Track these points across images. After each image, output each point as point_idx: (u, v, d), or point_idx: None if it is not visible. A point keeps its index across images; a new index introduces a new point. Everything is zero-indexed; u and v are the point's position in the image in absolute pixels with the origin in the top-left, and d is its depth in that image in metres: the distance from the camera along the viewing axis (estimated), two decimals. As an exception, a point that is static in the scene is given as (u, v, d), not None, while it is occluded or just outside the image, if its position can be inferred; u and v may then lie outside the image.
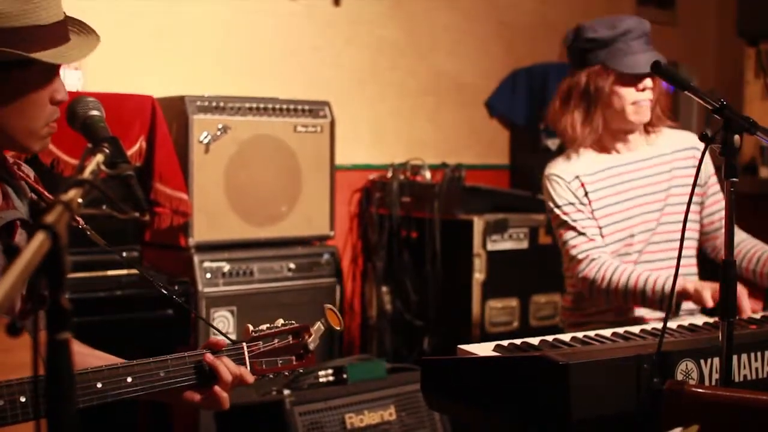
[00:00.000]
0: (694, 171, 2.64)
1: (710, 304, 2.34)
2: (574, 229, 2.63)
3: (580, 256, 2.61)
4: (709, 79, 5.33)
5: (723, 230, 2.69)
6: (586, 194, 2.65)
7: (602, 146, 2.72)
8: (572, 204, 2.64)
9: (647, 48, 2.60)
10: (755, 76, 4.89)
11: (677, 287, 2.38)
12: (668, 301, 2.32)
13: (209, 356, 1.73)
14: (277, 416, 3.00)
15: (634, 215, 2.67)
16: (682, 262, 2.57)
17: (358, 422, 3.12)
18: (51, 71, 1.63)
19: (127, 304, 3.04)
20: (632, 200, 2.68)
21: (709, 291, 2.35)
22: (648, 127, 2.73)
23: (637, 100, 2.61)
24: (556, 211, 2.66)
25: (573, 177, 2.66)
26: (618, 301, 2.58)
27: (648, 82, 2.60)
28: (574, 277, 2.66)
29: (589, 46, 2.63)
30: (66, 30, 1.65)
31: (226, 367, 1.74)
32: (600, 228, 2.65)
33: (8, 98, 1.60)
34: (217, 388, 1.74)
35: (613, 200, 2.67)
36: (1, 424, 1.50)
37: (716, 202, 2.75)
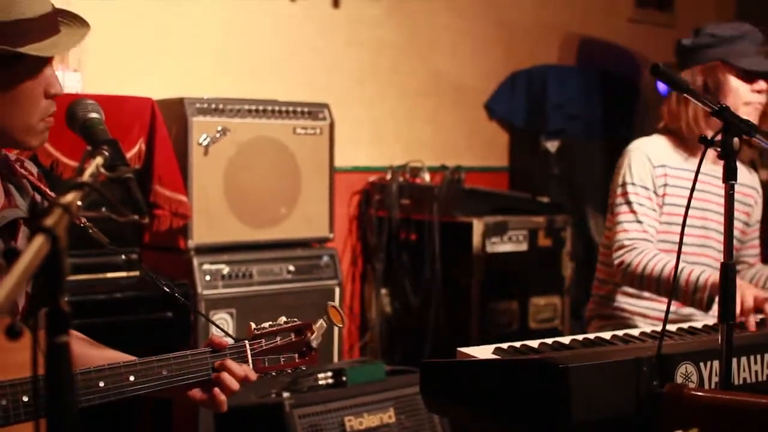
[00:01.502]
0: (747, 208, 2.73)
1: (750, 303, 2.22)
2: (635, 213, 2.59)
3: (626, 243, 2.56)
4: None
5: (749, 269, 2.73)
6: (664, 185, 2.63)
7: (693, 150, 2.69)
8: (646, 188, 2.61)
9: (763, 54, 2.61)
10: (754, 79, 4.88)
11: (712, 282, 2.34)
12: (668, 304, 2.30)
13: (216, 365, 1.73)
14: (277, 418, 3.00)
15: (695, 225, 2.65)
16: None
17: (358, 425, 3.12)
18: (42, 64, 1.62)
19: (127, 306, 3.04)
20: (702, 210, 2.67)
21: (750, 293, 2.24)
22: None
23: (751, 101, 2.61)
24: (627, 187, 2.61)
25: (660, 164, 2.63)
26: (651, 290, 2.53)
27: (763, 84, 2.60)
28: (609, 262, 2.62)
29: (710, 41, 2.64)
30: (55, 21, 1.64)
31: (232, 373, 1.73)
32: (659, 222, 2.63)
33: (2, 94, 1.59)
34: (216, 390, 1.74)
35: (682, 202, 2.65)
36: (4, 424, 1.50)
37: (754, 247, 2.82)
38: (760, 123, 2.68)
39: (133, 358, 1.71)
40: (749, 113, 2.61)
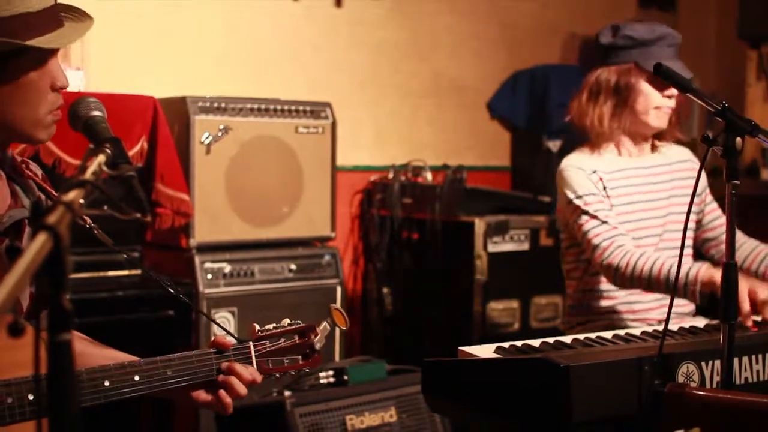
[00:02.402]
0: (692, 182, 2.67)
1: (746, 303, 2.19)
2: (596, 218, 2.61)
3: (604, 243, 2.57)
4: (711, 82, 5.33)
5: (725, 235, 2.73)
6: (604, 188, 2.66)
7: (618, 147, 2.75)
8: (593, 194, 2.64)
9: (676, 58, 2.63)
10: (756, 79, 4.89)
11: (705, 277, 2.33)
12: (677, 288, 2.30)
13: (223, 367, 1.74)
14: (278, 417, 3.00)
15: (644, 218, 2.70)
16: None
17: (359, 424, 3.12)
18: (47, 57, 1.63)
19: (129, 304, 3.04)
20: (642, 203, 2.71)
21: (746, 287, 2.21)
22: (657, 139, 2.78)
23: (661, 105, 2.65)
24: (576, 201, 2.64)
25: (592, 170, 2.67)
26: (641, 288, 2.54)
27: (674, 90, 2.62)
28: (596, 265, 2.63)
29: (626, 43, 2.65)
30: (58, 15, 1.65)
31: (240, 377, 1.73)
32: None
33: (8, 89, 1.60)
34: (222, 392, 1.74)
35: (626, 200, 2.69)
36: (10, 422, 1.50)
37: (714, 210, 2.84)
38: (667, 134, 2.76)
39: (133, 357, 1.71)
40: (659, 117, 2.67)
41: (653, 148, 2.79)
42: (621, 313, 2.73)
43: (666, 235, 2.72)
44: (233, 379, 1.73)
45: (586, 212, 2.62)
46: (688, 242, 2.76)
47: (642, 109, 2.65)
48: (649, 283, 2.48)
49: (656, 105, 2.65)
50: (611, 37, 2.69)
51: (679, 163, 2.80)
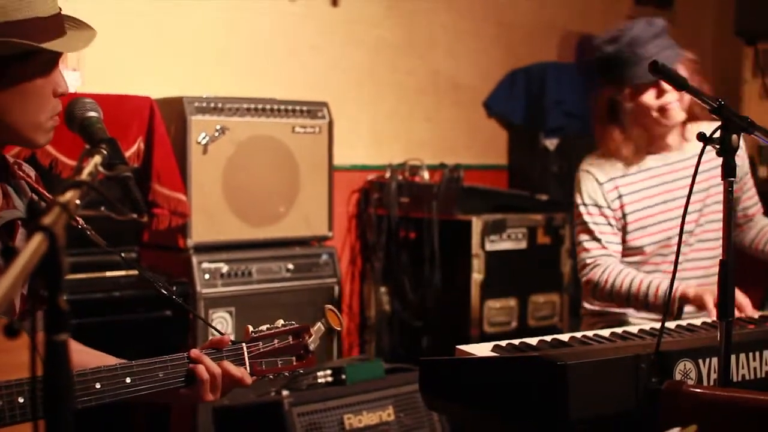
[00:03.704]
0: (735, 171, 2.67)
1: (711, 309, 2.30)
2: (591, 232, 2.64)
3: (587, 261, 2.63)
4: (707, 79, 5.32)
5: (757, 222, 2.74)
6: (620, 197, 2.65)
7: (642, 150, 2.68)
8: (598, 206, 2.64)
9: (662, 48, 2.55)
10: (753, 76, 4.89)
11: (679, 291, 2.40)
12: (665, 307, 2.32)
13: (194, 351, 1.73)
14: (276, 417, 3.00)
15: (673, 217, 2.64)
16: (710, 262, 2.61)
17: (357, 423, 3.12)
18: (51, 63, 1.64)
19: (126, 305, 3.04)
20: (671, 202, 2.66)
21: (710, 295, 2.32)
22: (686, 124, 2.68)
23: (661, 105, 2.59)
24: (581, 208, 2.67)
25: (608, 179, 2.65)
26: (620, 305, 2.61)
27: (665, 84, 2.54)
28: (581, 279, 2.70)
29: (598, 65, 2.62)
30: (63, 23, 1.66)
31: (205, 366, 1.71)
32: (630, 231, 2.65)
33: (11, 92, 1.61)
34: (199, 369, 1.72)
35: (652, 202, 2.66)
36: (0, 425, 1.50)
37: (752, 197, 2.81)
38: (694, 117, 2.66)
39: (119, 360, 1.70)
40: (667, 115, 2.59)
41: (684, 137, 2.71)
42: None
43: (699, 229, 2.67)
44: (200, 368, 1.71)
45: (584, 222, 2.66)
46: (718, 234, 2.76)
47: (648, 117, 2.60)
48: (628, 299, 2.55)
49: (657, 107, 2.59)
50: (585, 60, 2.68)
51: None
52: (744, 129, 1.83)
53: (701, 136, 1.81)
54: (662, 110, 2.59)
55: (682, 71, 2.53)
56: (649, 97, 2.58)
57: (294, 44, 4.18)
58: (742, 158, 2.79)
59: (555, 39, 5.05)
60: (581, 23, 5.08)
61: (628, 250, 2.67)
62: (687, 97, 2.57)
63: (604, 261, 2.61)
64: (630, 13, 5.31)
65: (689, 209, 2.66)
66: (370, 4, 4.41)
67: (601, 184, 2.65)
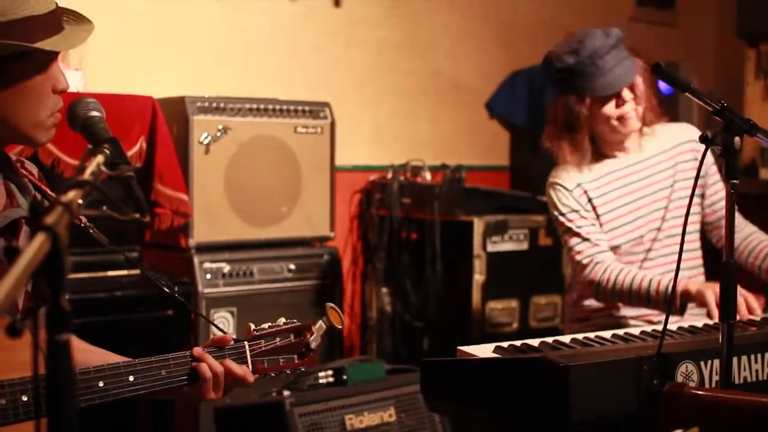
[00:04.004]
0: (696, 164, 2.66)
1: (713, 305, 2.32)
2: (578, 235, 2.67)
3: (584, 261, 2.65)
4: (709, 81, 5.33)
5: (741, 228, 2.73)
6: (589, 201, 2.69)
7: (602, 154, 2.74)
8: (576, 211, 2.68)
9: (620, 59, 2.58)
10: (755, 78, 4.89)
11: (681, 288, 2.41)
12: (668, 304, 2.33)
13: (197, 350, 1.73)
14: (277, 417, 3.00)
15: (642, 215, 2.70)
16: (686, 255, 2.63)
17: (358, 423, 3.12)
18: (49, 60, 1.64)
19: (128, 304, 3.04)
20: (638, 201, 2.71)
21: (712, 292, 2.34)
22: (642, 129, 2.72)
23: (620, 115, 2.63)
24: (561, 218, 2.71)
25: (575, 185, 2.69)
26: (623, 302, 2.62)
27: (625, 94, 2.61)
28: (580, 282, 2.71)
29: (559, 76, 2.64)
30: (60, 18, 1.66)
31: (208, 364, 1.72)
32: (604, 232, 2.69)
33: (10, 91, 1.61)
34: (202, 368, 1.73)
35: (619, 203, 2.70)
36: (3, 423, 1.50)
37: (718, 192, 2.77)
38: (648, 123, 2.68)
39: (123, 358, 1.70)
40: (625, 124, 2.62)
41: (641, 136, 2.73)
42: (620, 310, 2.74)
43: (666, 224, 2.70)
44: (203, 366, 1.72)
45: (569, 229, 2.69)
46: (696, 227, 2.76)
47: (605, 126, 2.64)
48: (630, 297, 2.56)
49: (616, 116, 2.62)
50: (547, 71, 2.68)
51: (680, 146, 2.76)
52: (746, 131, 1.83)
53: (703, 139, 1.81)
54: (621, 119, 2.63)
55: (639, 81, 2.61)
56: (609, 108, 2.62)
57: (296, 44, 4.18)
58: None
59: (556, 40, 5.02)
60: (582, 24, 5.05)
61: None
62: (642, 106, 2.64)
63: (601, 257, 2.63)
64: (632, 14, 5.31)
65: (657, 206, 2.70)
66: (372, 4, 4.41)
67: (570, 191, 2.69)
